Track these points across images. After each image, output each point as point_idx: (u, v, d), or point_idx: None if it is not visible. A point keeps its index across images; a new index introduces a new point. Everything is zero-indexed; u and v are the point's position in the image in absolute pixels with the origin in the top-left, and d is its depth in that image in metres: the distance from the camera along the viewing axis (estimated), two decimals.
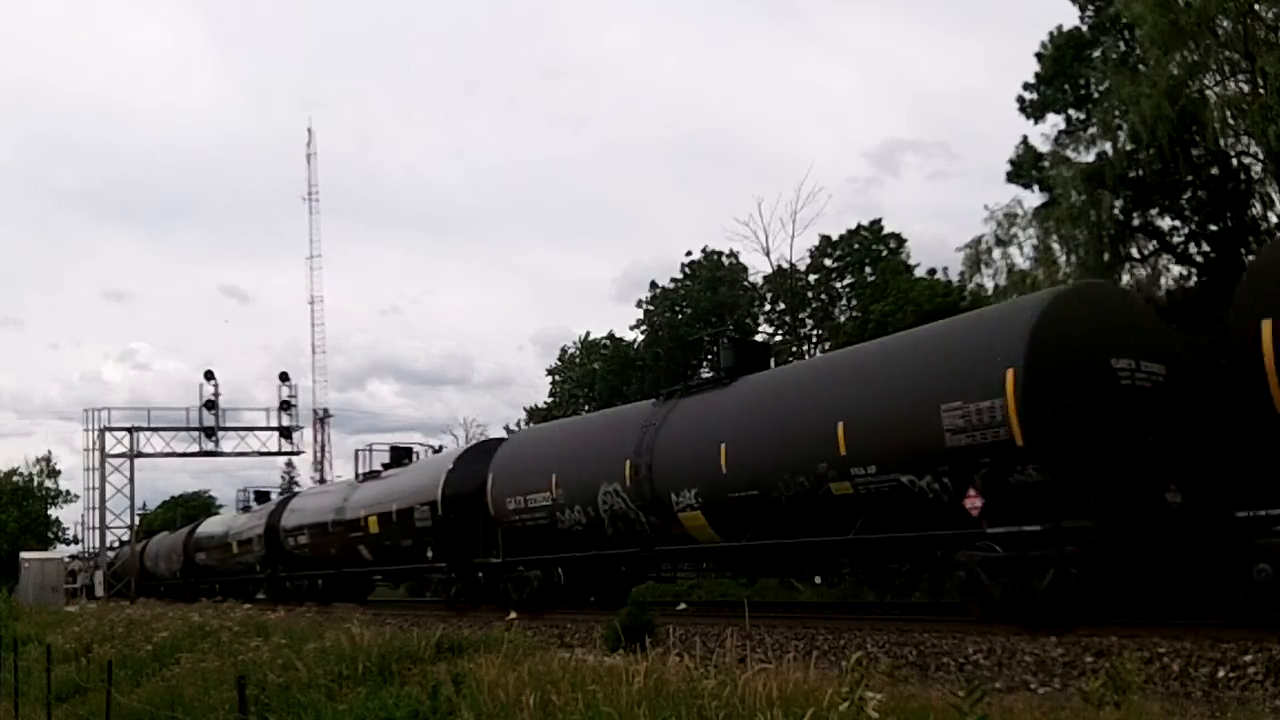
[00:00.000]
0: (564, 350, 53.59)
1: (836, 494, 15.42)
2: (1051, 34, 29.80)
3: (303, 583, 34.56)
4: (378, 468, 32.69)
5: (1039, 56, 29.95)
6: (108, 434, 48.37)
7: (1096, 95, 28.36)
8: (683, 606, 18.84)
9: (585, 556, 21.37)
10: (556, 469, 21.76)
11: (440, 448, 36.50)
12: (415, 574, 31.47)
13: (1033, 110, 30.31)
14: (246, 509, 44.08)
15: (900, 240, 43.31)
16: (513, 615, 11.31)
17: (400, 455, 32.63)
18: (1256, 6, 23.19)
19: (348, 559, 31.48)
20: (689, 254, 47.37)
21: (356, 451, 32.96)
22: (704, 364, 46.75)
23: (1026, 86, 30.31)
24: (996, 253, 30.54)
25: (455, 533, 24.99)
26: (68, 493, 61.99)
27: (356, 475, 33.02)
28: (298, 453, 53.38)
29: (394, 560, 29.48)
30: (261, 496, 44.92)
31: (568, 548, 21.71)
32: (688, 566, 23.01)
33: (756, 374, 19.17)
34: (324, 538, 32.82)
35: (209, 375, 49.27)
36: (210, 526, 46.64)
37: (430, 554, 26.27)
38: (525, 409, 54.64)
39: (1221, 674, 9.98)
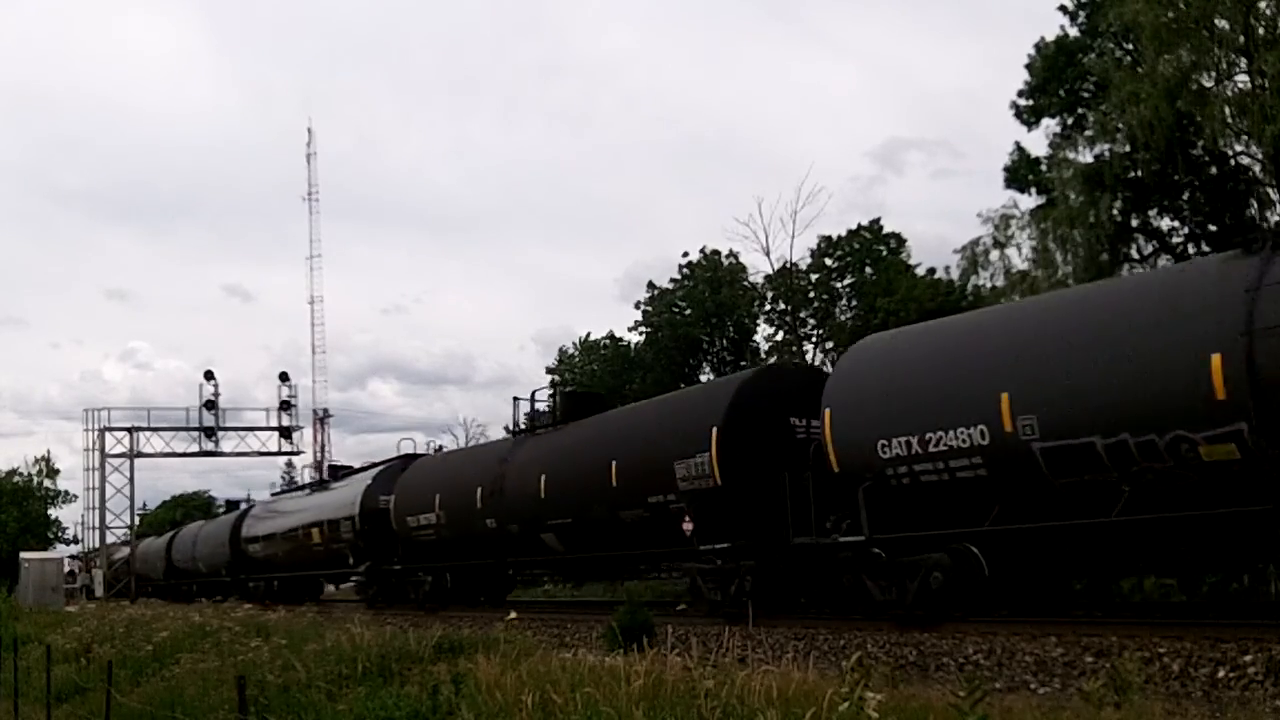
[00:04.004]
0: (562, 350, 53.62)
1: None
2: (1038, 46, 29.78)
3: (424, 579, 26.98)
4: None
5: (1029, 67, 29.94)
6: (108, 434, 48.42)
7: (1088, 97, 28.37)
8: (683, 606, 18.82)
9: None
10: (1005, 382, 12.91)
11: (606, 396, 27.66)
12: (652, 562, 22.13)
13: (1027, 115, 30.33)
14: (285, 490, 38.92)
15: (900, 240, 43.46)
16: (513, 615, 11.24)
17: (583, 403, 23.69)
18: (1259, 4, 23.15)
19: (522, 545, 23.04)
20: (685, 254, 47.44)
21: (516, 399, 25.40)
22: (705, 363, 46.90)
23: (1020, 93, 30.33)
24: (994, 254, 30.63)
25: (743, 500, 16.66)
26: (67, 493, 62.05)
27: (513, 430, 25.14)
28: (298, 453, 53.26)
29: (609, 543, 20.53)
30: (340, 471, 36.76)
31: (1040, 512, 12.92)
32: None
33: None
34: (471, 517, 24.18)
35: (209, 375, 49.35)
36: (271, 510, 39.44)
37: (689, 529, 17.41)
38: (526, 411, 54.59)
39: (1221, 674, 9.99)
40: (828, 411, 15.43)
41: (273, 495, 45.92)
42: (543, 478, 21.55)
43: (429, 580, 26.73)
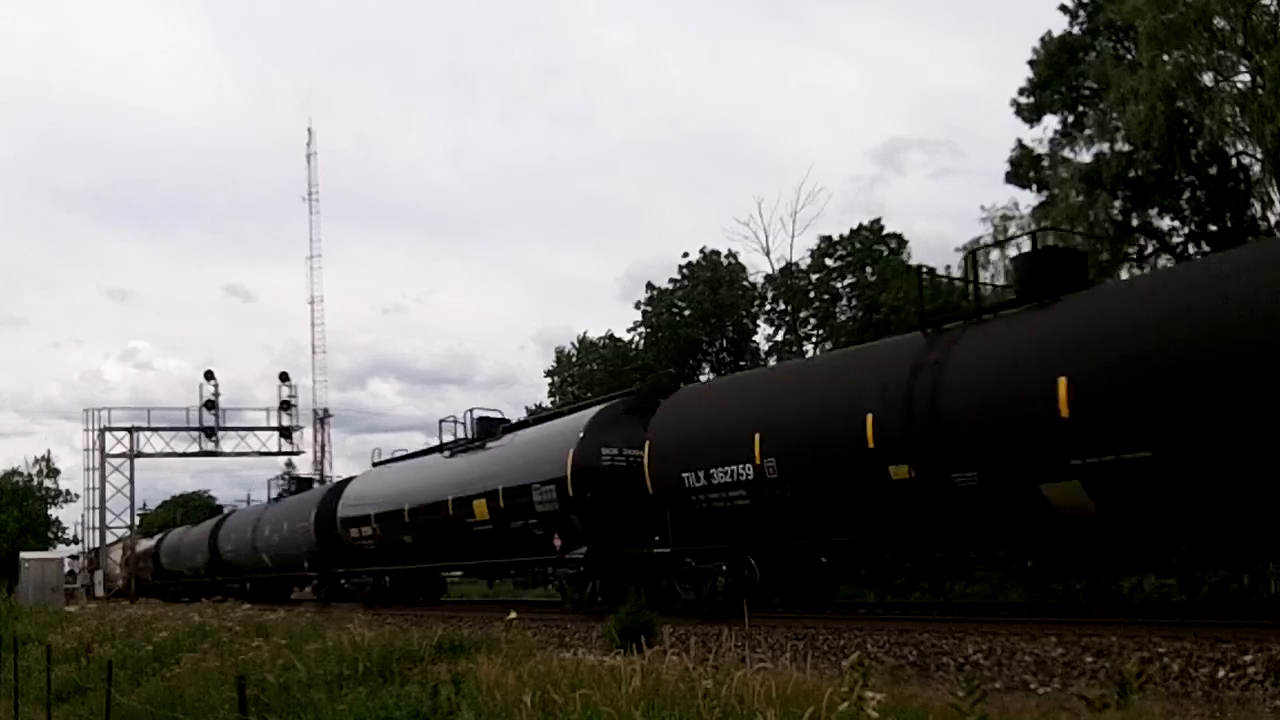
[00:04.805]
0: (559, 350, 53.53)
1: None
2: (1043, 39, 29.78)
3: (709, 569, 17.56)
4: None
5: (1032, 64, 29.94)
6: (108, 434, 48.51)
7: (1088, 95, 28.39)
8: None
9: None
10: None
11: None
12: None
13: (1029, 114, 30.33)
14: (397, 455, 28.18)
15: (902, 241, 43.45)
16: (513, 615, 11.25)
17: (1064, 263, 14.29)
18: (1263, 2, 23.12)
19: (979, 507, 13.47)
20: (685, 255, 47.46)
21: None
22: (704, 363, 46.89)
23: (1021, 91, 30.34)
24: (995, 254, 30.63)
25: None
26: (68, 493, 62.14)
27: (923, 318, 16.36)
28: (298, 453, 53.14)
29: (1248, 494, 11.09)
30: (497, 425, 25.34)
31: None
32: None
33: None
34: (847, 466, 14.88)
35: (209, 375, 49.39)
36: (387, 481, 29.02)
37: None
38: (527, 409, 54.63)
39: (1221, 674, 9.98)
40: None
41: (375, 464, 32.43)
42: (1063, 382, 11.97)
43: (722, 570, 17.02)
